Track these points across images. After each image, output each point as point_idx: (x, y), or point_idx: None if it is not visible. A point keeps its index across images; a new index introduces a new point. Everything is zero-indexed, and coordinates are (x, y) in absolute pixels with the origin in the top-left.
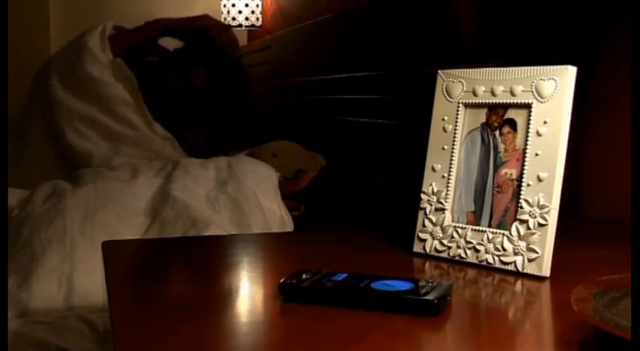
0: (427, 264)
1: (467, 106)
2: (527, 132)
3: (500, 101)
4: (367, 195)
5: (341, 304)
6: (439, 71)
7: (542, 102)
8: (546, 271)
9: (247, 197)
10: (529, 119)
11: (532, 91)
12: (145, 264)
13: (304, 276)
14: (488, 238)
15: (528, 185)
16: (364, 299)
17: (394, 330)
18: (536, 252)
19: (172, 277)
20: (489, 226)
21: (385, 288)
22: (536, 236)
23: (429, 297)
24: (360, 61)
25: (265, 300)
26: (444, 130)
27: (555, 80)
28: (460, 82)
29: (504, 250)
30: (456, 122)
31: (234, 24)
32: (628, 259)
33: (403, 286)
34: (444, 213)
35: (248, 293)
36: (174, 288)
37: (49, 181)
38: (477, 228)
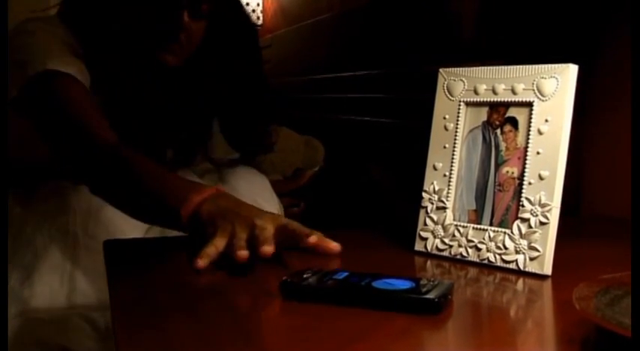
0: (428, 262)
1: (468, 104)
2: (529, 130)
3: (502, 99)
4: (367, 192)
5: (342, 303)
6: (440, 70)
7: (543, 100)
8: (548, 270)
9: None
10: (530, 117)
11: (533, 90)
12: (146, 263)
13: (305, 275)
14: (489, 236)
15: (530, 184)
16: (365, 298)
17: (396, 329)
18: (538, 250)
19: (173, 276)
20: (491, 224)
21: (386, 287)
22: (537, 235)
23: (430, 296)
24: (360, 59)
25: (266, 299)
26: (446, 128)
27: (557, 79)
28: (461, 80)
29: (506, 248)
30: (457, 121)
31: None
32: (629, 257)
33: (404, 284)
34: (445, 211)
35: (249, 292)
36: (176, 287)
37: (53, 180)
38: (479, 226)
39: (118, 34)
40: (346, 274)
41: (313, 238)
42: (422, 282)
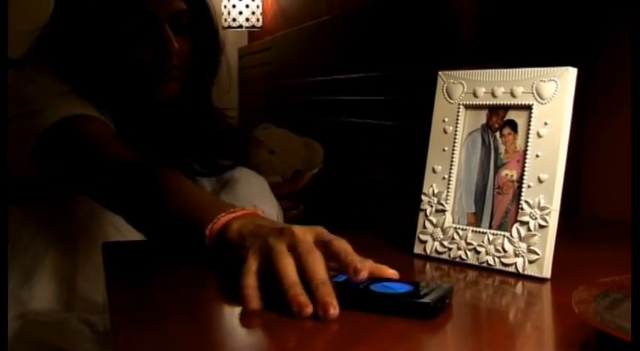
0: (428, 265)
1: (467, 107)
2: (528, 133)
3: (501, 102)
4: (366, 194)
5: (340, 306)
6: (440, 73)
7: (542, 103)
8: (547, 273)
9: (243, 203)
10: (530, 120)
11: (533, 93)
12: (145, 265)
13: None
14: (488, 239)
15: (529, 187)
16: (362, 301)
17: (394, 332)
18: (537, 253)
19: (172, 278)
20: (490, 227)
21: (384, 290)
22: (536, 238)
23: (425, 300)
24: (360, 62)
25: (265, 303)
26: (445, 131)
27: (556, 82)
28: (461, 83)
29: (505, 251)
30: (457, 123)
31: (234, 25)
32: (629, 260)
33: (402, 288)
34: (444, 214)
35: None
36: (175, 290)
37: (52, 188)
38: (478, 229)
39: (116, 75)
40: (345, 277)
41: (364, 275)
42: (421, 285)
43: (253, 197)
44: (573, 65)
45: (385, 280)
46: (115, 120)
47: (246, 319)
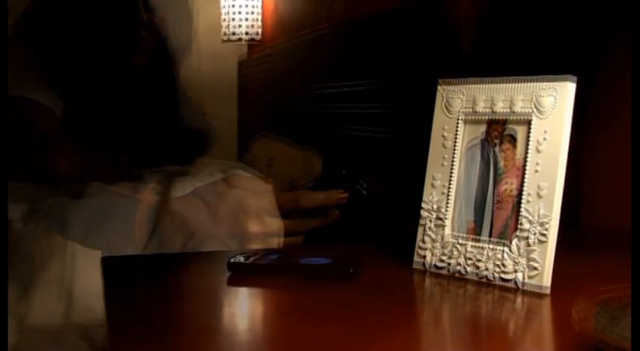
0: (427, 280)
1: (466, 119)
2: (527, 146)
3: (500, 115)
4: (365, 206)
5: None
6: (439, 86)
7: (541, 116)
8: (547, 287)
9: (248, 212)
10: (529, 133)
11: (532, 105)
12: (144, 280)
13: (250, 255)
14: (488, 253)
15: (528, 201)
16: (294, 272)
17: (393, 346)
18: (537, 268)
19: (171, 293)
20: (489, 241)
21: (311, 262)
22: (536, 252)
23: (348, 268)
24: (360, 72)
25: (265, 316)
26: (444, 144)
27: (555, 95)
28: (460, 96)
29: (504, 265)
30: (456, 136)
31: (233, 38)
32: (629, 271)
33: (324, 261)
34: (443, 229)
35: (247, 311)
36: (173, 304)
37: (53, 197)
38: (477, 244)
39: (85, 43)
40: (277, 255)
41: None
42: (337, 259)
43: (258, 205)
44: (573, 74)
45: (308, 256)
46: (74, 95)
47: (245, 335)
